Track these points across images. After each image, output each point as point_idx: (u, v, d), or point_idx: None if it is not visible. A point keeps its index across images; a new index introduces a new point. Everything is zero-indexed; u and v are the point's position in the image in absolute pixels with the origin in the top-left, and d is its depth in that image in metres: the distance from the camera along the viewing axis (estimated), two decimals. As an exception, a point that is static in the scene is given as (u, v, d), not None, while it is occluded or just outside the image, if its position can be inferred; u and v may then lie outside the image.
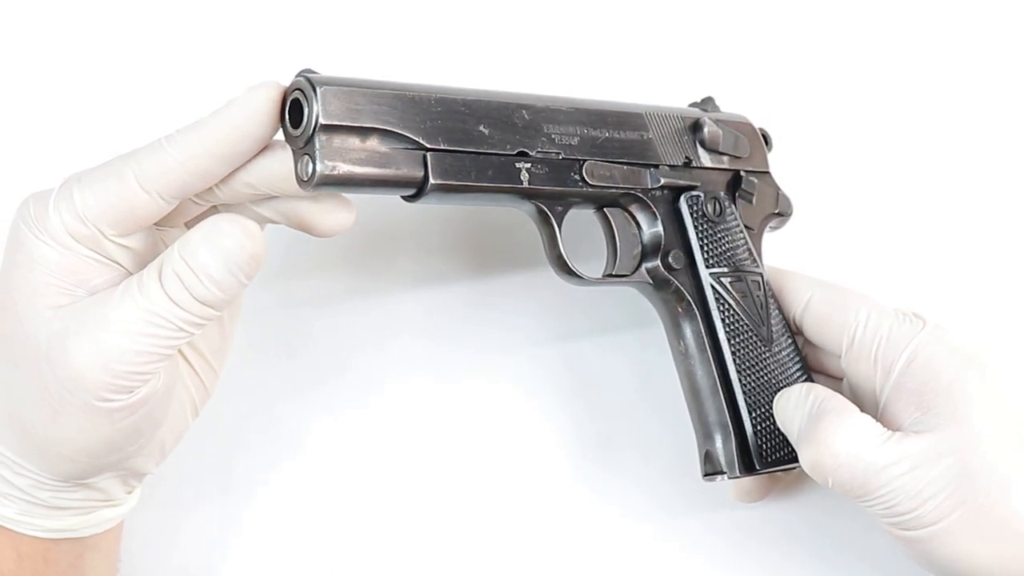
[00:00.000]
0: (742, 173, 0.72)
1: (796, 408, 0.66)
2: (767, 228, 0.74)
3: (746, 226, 0.72)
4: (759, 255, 0.72)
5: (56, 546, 0.61)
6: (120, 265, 0.57)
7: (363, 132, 0.58)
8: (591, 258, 0.70)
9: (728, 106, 0.75)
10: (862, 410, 0.68)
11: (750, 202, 0.72)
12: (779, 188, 0.74)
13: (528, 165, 0.63)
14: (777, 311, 0.71)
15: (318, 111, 0.56)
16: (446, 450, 0.74)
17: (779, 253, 0.76)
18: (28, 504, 0.60)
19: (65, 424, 0.56)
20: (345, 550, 0.73)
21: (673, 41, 0.84)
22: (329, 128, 0.56)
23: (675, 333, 0.70)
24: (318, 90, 0.56)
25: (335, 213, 0.61)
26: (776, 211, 0.74)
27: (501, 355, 0.76)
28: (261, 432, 0.73)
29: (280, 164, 0.58)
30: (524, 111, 0.64)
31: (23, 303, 0.56)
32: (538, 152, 0.64)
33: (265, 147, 0.58)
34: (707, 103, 0.73)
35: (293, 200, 0.60)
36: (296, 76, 0.58)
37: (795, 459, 0.68)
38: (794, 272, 0.73)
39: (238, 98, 0.57)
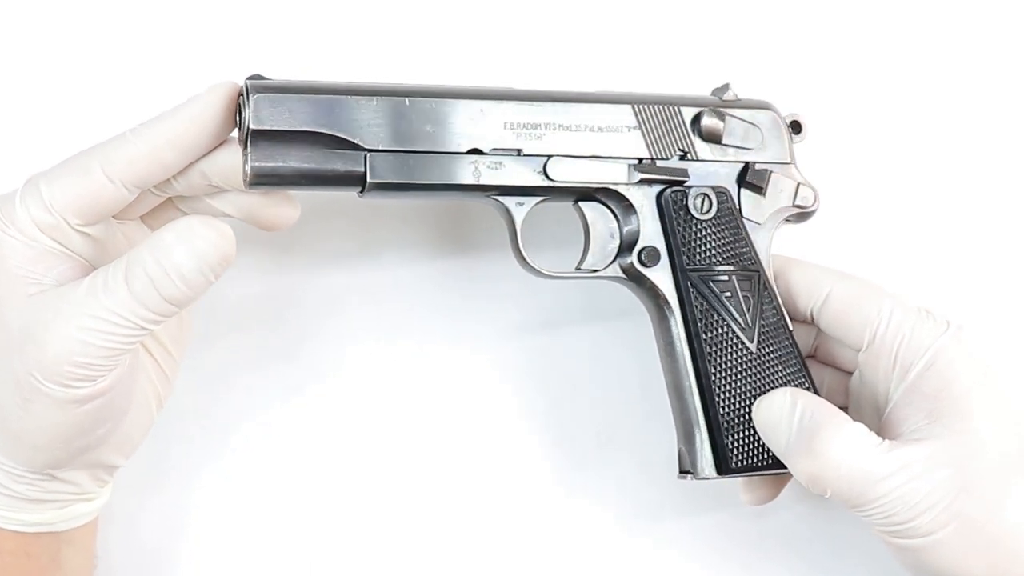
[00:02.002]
0: (751, 165, 0.69)
1: (781, 417, 0.65)
2: (783, 221, 0.71)
3: (752, 220, 0.69)
4: (763, 250, 0.69)
5: (37, 540, 0.64)
6: (81, 256, 0.61)
7: (300, 135, 0.62)
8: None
9: (760, 92, 0.72)
10: (869, 406, 0.68)
11: (760, 195, 0.70)
12: (801, 180, 0.71)
13: (483, 162, 0.65)
14: (773, 309, 0.69)
15: (249, 118, 0.61)
16: (422, 431, 0.75)
17: (802, 244, 0.73)
18: (8, 498, 0.62)
19: (36, 412, 0.59)
20: (308, 526, 0.75)
21: (701, 23, 0.81)
22: (261, 133, 0.61)
23: (656, 328, 0.70)
24: (251, 98, 0.61)
25: (278, 208, 0.65)
26: (794, 204, 0.70)
27: (488, 339, 0.76)
28: (222, 410, 0.74)
29: (235, 158, 0.63)
30: (481, 108, 0.65)
31: None
32: (493, 149, 0.65)
33: (223, 142, 0.63)
34: (723, 91, 0.71)
35: (244, 194, 0.65)
36: (244, 80, 0.63)
37: (771, 465, 0.67)
38: (813, 263, 0.70)
39: (199, 95, 0.62)
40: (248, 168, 0.61)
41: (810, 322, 0.70)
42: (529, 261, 0.68)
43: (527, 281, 0.70)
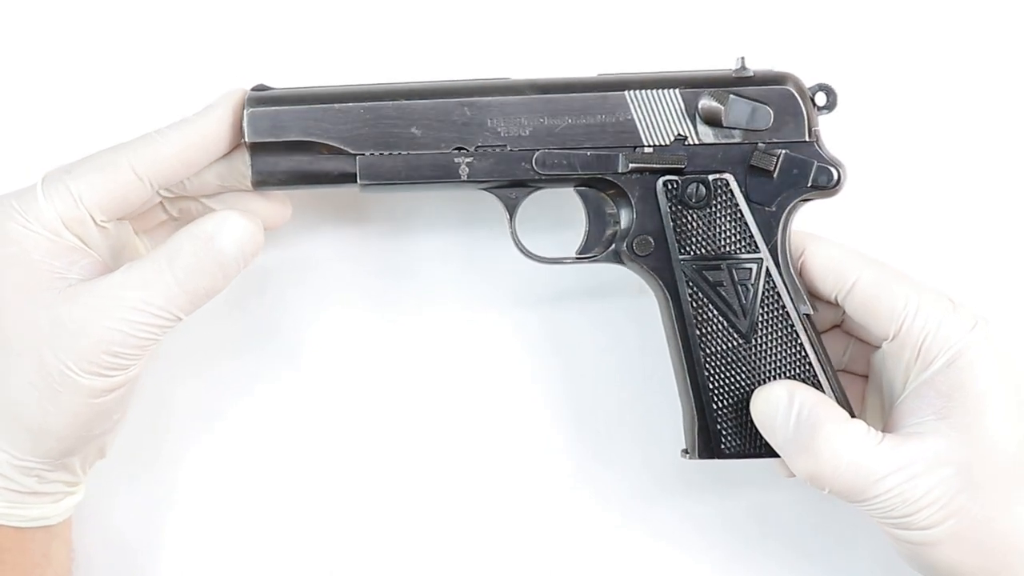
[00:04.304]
0: (760, 146, 0.67)
1: (777, 411, 0.65)
2: (799, 202, 0.68)
3: (761, 205, 0.67)
4: (773, 236, 0.67)
5: (33, 536, 0.66)
6: (97, 252, 0.64)
7: (294, 144, 0.67)
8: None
9: (791, 61, 0.69)
10: (886, 391, 0.68)
11: (769, 178, 0.67)
12: (819, 160, 0.67)
13: (469, 159, 0.67)
14: (776, 298, 0.67)
15: (245, 132, 0.67)
16: (420, 416, 0.77)
17: (831, 217, 0.71)
18: (13, 493, 0.65)
19: (64, 402, 0.62)
20: (296, 508, 0.77)
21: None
22: (258, 144, 0.67)
23: (661, 311, 0.70)
24: (245, 113, 0.67)
25: (271, 208, 0.70)
26: (810, 186, 0.67)
27: (496, 316, 0.77)
28: (188, 398, 0.76)
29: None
30: (466, 108, 0.67)
31: (19, 293, 0.62)
32: (478, 147, 0.67)
33: (238, 146, 0.68)
34: (739, 68, 0.67)
35: (241, 194, 0.70)
36: (249, 90, 0.68)
37: (764, 452, 0.68)
38: (840, 245, 0.68)
39: (218, 100, 0.67)
40: (250, 173, 0.68)
41: (835, 304, 0.68)
42: (526, 248, 0.70)
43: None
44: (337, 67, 0.74)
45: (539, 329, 0.77)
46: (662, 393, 0.74)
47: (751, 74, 0.67)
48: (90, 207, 0.64)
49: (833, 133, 0.69)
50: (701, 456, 0.69)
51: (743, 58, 0.68)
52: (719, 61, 0.70)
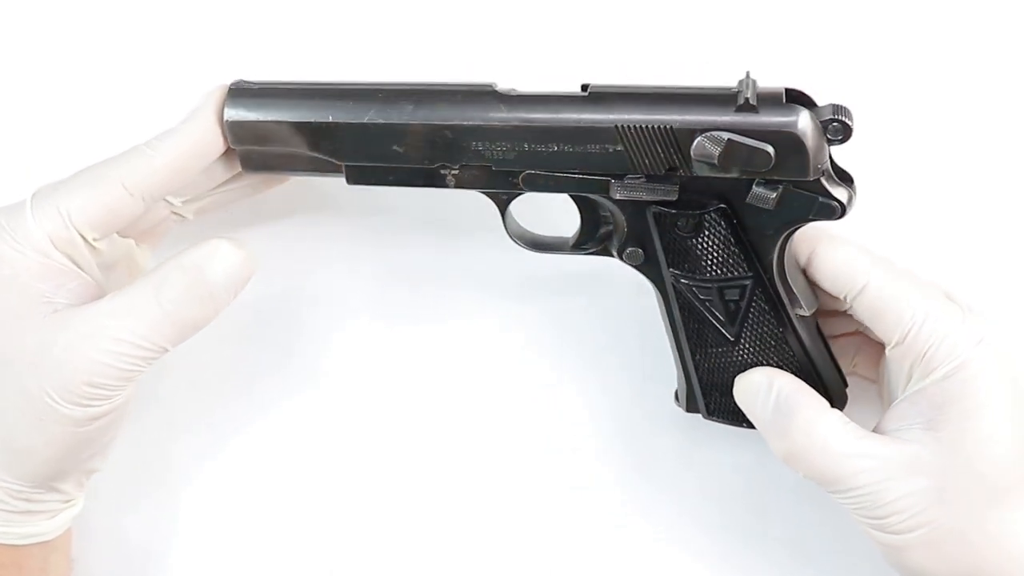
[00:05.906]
0: (755, 186, 0.63)
1: (757, 396, 0.66)
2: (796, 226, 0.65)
3: (757, 231, 0.65)
4: (767, 253, 0.65)
5: (29, 552, 0.65)
6: (88, 274, 0.63)
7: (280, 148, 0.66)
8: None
9: (802, 71, 0.65)
10: (890, 390, 0.68)
11: (766, 210, 0.64)
12: (823, 195, 0.63)
13: (455, 171, 0.65)
14: (764, 310, 0.66)
15: (228, 138, 0.66)
16: (424, 420, 0.78)
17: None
18: (5, 513, 0.64)
19: (48, 429, 0.61)
20: (293, 528, 0.77)
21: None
22: (242, 150, 0.66)
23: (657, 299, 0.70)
24: (225, 120, 0.65)
25: (267, 183, 0.71)
26: (810, 218, 0.64)
27: (499, 308, 0.77)
28: (196, 417, 0.76)
29: None
30: (448, 131, 0.64)
31: (8, 316, 0.61)
32: (463, 166, 0.65)
33: None
34: (742, 98, 0.62)
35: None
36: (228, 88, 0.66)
37: (746, 424, 0.69)
38: (851, 244, 0.66)
39: (203, 102, 0.65)
40: (241, 165, 0.67)
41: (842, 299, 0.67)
42: (518, 244, 0.70)
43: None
44: (320, 60, 0.73)
45: (541, 329, 0.77)
46: (664, 393, 0.74)
47: (755, 107, 0.61)
48: (79, 225, 0.62)
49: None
50: (688, 410, 0.71)
51: (749, 73, 0.63)
52: (726, 58, 0.68)
